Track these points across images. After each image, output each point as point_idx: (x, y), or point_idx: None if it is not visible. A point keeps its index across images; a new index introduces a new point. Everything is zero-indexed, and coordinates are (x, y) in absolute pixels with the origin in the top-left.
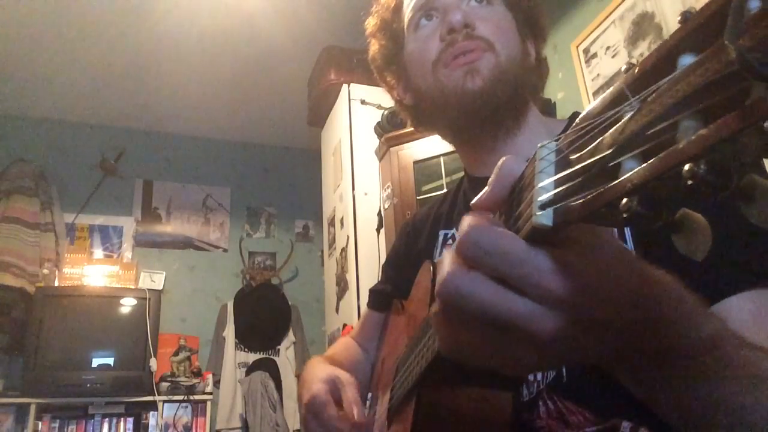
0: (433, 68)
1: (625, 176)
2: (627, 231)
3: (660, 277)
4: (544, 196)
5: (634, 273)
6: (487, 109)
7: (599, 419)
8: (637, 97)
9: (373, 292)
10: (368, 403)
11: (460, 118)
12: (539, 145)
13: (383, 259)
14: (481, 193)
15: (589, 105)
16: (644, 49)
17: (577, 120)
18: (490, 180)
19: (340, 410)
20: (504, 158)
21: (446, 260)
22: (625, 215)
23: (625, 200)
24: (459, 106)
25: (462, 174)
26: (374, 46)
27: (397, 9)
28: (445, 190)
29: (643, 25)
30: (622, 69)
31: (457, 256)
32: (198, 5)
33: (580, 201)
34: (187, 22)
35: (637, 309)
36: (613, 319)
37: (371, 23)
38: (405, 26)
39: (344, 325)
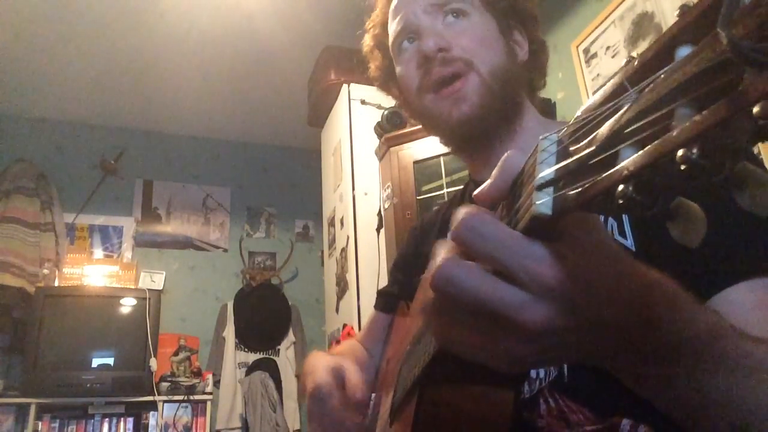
0: (418, 94)
1: (621, 164)
2: (625, 220)
3: (655, 278)
4: (545, 186)
5: (630, 273)
6: (477, 131)
7: (600, 418)
8: (636, 88)
9: (381, 294)
10: (371, 403)
11: (452, 139)
12: (541, 137)
13: (383, 259)
14: (482, 186)
15: (590, 98)
16: (644, 49)
17: (579, 112)
18: (493, 173)
19: (345, 396)
20: (508, 152)
21: (441, 249)
22: (621, 202)
23: (621, 187)
24: (449, 132)
25: (463, 174)
26: (372, 66)
27: (385, 25)
28: (445, 190)
29: (643, 25)
30: (623, 62)
31: (453, 244)
32: (198, 5)
33: (578, 189)
34: (187, 21)
35: (632, 309)
36: (608, 316)
37: (366, 43)
38: (390, 47)
39: (344, 325)
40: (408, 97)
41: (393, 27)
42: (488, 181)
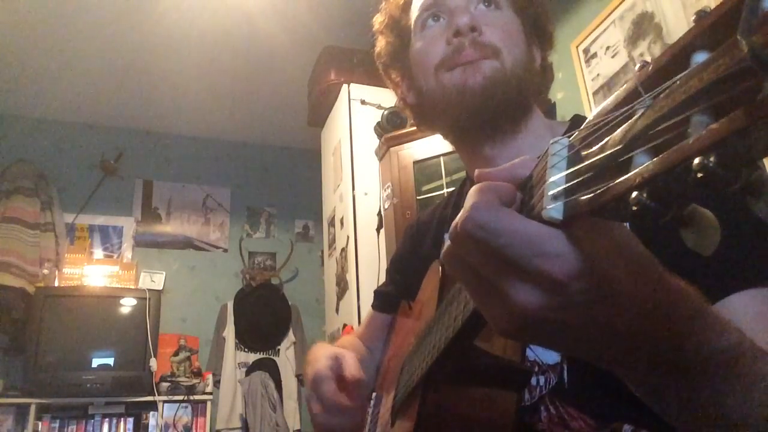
0: (436, 71)
1: (635, 170)
2: (627, 226)
3: (679, 287)
4: (555, 190)
5: (651, 279)
6: (487, 109)
7: (601, 424)
8: (650, 93)
9: (378, 293)
10: (372, 402)
11: (461, 116)
12: (552, 140)
13: (383, 259)
14: (489, 169)
15: (603, 102)
16: (644, 48)
17: (591, 116)
18: (503, 165)
19: (342, 382)
20: (524, 156)
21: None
22: (634, 208)
23: (635, 194)
24: (460, 103)
25: (463, 174)
26: (381, 43)
27: (406, 7)
28: (445, 189)
29: (643, 25)
30: (637, 67)
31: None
32: (198, 5)
33: (590, 194)
34: (187, 22)
35: (653, 317)
36: (621, 321)
37: (379, 20)
38: (412, 25)
39: (344, 325)
40: (421, 73)
41: (420, 2)
42: (495, 168)
